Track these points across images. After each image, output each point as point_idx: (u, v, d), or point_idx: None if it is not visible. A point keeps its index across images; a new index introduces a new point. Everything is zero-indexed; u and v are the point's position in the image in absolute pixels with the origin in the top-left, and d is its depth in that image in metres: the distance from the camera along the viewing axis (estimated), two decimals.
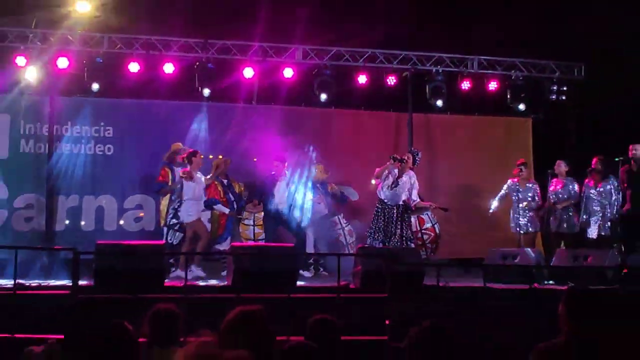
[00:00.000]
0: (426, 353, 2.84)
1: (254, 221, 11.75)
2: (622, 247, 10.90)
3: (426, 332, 2.88)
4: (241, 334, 3.26)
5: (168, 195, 11.08)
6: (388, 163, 11.09)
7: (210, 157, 12.67)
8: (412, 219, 11.92)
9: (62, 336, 4.12)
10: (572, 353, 4.29)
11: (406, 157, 11.26)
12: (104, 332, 4.23)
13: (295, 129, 13.45)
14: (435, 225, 12.37)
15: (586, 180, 11.46)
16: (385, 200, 11.10)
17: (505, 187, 11.88)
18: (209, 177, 11.20)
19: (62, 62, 12.11)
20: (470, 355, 3.14)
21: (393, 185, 11.02)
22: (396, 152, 13.09)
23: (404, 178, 11.06)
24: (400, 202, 10.99)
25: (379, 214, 11.10)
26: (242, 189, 11.85)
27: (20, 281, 8.16)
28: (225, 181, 11.44)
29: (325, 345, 4.09)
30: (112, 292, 7.43)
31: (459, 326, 7.13)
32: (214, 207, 11.44)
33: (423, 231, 12.05)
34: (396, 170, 11.12)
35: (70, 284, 7.82)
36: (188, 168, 10.71)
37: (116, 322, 4.38)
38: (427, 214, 12.36)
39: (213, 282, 9.65)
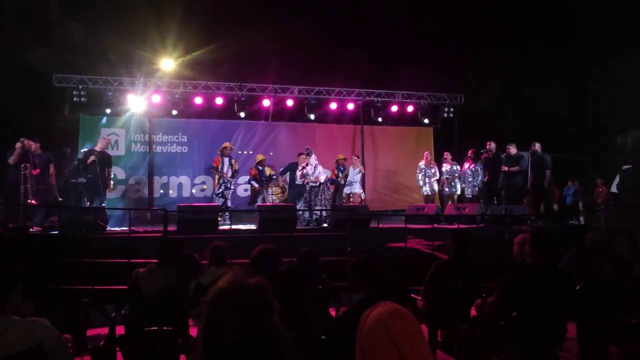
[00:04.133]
0: (360, 272, 2.82)
1: (272, 192, 11.57)
2: (485, 202, 10.97)
3: (360, 260, 2.86)
4: (261, 260, 3.27)
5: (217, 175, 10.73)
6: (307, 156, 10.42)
7: (241, 152, 12.70)
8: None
9: (157, 261, 4.07)
10: (455, 265, 4.36)
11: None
12: (182, 258, 4.24)
13: (294, 136, 13.44)
14: (362, 194, 11.77)
15: (464, 163, 11.50)
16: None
17: (419, 169, 11.86)
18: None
19: (156, 98, 12.02)
20: (393, 272, 3.12)
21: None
22: (353, 151, 13.14)
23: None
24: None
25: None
26: (272, 172, 11.50)
27: (133, 228, 8.12)
28: (260, 168, 11.19)
29: (310, 264, 4.12)
30: (187, 234, 7.40)
31: (389, 252, 7.13)
32: (251, 182, 11.38)
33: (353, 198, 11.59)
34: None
35: (162, 229, 7.82)
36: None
37: (188, 252, 4.40)
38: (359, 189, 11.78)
39: (249, 226, 9.46)
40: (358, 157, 12.10)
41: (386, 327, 2.23)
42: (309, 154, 10.44)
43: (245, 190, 12.49)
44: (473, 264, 4.40)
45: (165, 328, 3.15)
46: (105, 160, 9.53)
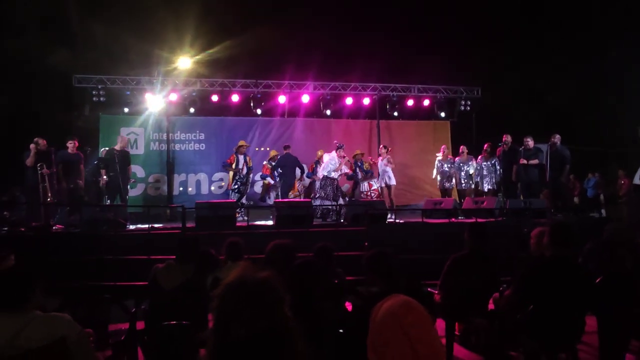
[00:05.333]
0: (373, 267, 2.81)
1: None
2: (503, 196, 10.82)
3: (373, 254, 2.85)
4: (276, 256, 3.28)
5: (232, 172, 10.74)
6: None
7: (258, 149, 12.75)
8: (365, 184, 11.59)
9: (175, 257, 4.12)
10: (472, 258, 4.32)
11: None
12: (200, 254, 4.29)
13: (310, 132, 13.46)
14: (378, 187, 11.69)
15: (480, 157, 11.37)
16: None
17: (436, 162, 11.74)
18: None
19: (173, 96, 12.11)
20: (408, 267, 3.10)
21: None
22: (370, 146, 13.08)
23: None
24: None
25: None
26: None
27: (153, 225, 8.23)
28: (273, 163, 11.23)
29: (325, 259, 4.12)
30: (206, 230, 7.45)
31: (407, 246, 7.10)
32: (265, 179, 11.41)
33: (372, 191, 11.62)
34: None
35: (181, 226, 7.90)
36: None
37: (206, 248, 4.45)
38: (373, 180, 11.69)
39: (267, 222, 9.45)
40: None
41: (397, 319, 2.23)
42: (340, 147, 10.47)
43: (262, 186, 12.55)
44: (489, 258, 4.37)
45: (184, 322, 3.20)
46: (125, 159, 9.71)
